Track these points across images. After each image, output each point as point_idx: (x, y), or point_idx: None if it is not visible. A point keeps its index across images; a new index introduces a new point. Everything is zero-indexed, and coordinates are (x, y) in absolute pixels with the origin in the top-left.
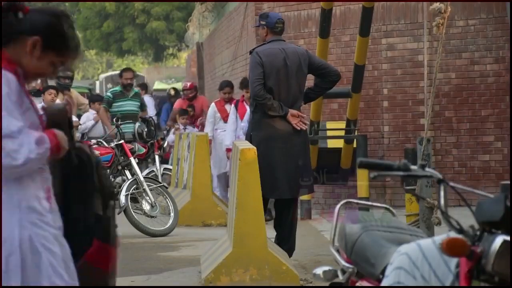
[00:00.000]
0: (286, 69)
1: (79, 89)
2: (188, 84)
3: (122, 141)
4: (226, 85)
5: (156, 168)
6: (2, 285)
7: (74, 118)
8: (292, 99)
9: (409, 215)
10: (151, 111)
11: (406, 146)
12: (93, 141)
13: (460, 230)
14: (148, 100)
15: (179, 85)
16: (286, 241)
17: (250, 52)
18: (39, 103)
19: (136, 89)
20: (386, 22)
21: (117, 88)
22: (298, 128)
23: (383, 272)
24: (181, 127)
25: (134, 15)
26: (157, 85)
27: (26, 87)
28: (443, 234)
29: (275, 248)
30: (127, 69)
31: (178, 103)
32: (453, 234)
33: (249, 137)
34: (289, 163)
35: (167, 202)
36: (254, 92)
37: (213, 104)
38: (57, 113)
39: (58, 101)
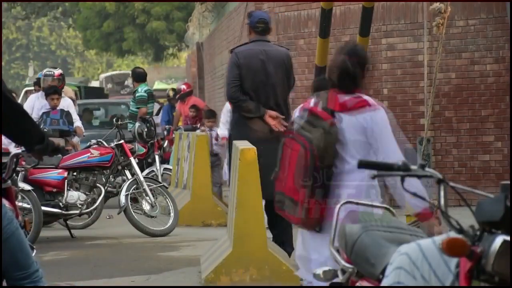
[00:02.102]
0: (265, 71)
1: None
2: (183, 87)
3: (122, 141)
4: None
5: (156, 168)
6: None
7: (79, 124)
8: (273, 100)
9: (409, 215)
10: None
11: (406, 146)
12: (93, 141)
13: (460, 230)
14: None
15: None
16: (281, 244)
17: (231, 51)
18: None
19: (143, 87)
20: (386, 22)
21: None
22: (276, 129)
23: (383, 272)
24: (207, 129)
25: (134, 15)
26: (157, 85)
27: None
28: (443, 234)
29: (275, 248)
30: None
31: (179, 106)
32: (453, 234)
33: (229, 136)
34: (264, 164)
35: (167, 202)
36: (229, 94)
37: (227, 104)
38: None
39: (61, 102)
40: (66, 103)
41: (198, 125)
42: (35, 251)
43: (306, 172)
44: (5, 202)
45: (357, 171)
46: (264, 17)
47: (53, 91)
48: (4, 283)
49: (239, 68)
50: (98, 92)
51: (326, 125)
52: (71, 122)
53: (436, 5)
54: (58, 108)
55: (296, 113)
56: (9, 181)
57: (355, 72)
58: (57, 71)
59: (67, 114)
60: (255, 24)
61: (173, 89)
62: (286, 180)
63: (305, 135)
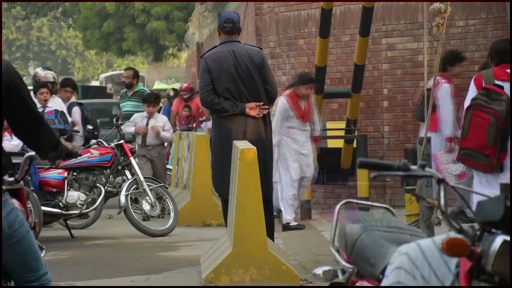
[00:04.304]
0: (237, 70)
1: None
2: (184, 85)
3: (122, 141)
4: (312, 81)
5: None
6: None
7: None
8: (251, 96)
9: (409, 215)
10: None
11: (406, 146)
12: (93, 141)
13: (460, 230)
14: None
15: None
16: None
17: (201, 57)
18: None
19: (143, 87)
20: (386, 22)
21: (124, 89)
22: (261, 115)
23: (383, 272)
24: None
25: (134, 15)
26: (157, 85)
27: None
28: (443, 234)
29: (275, 248)
30: (126, 68)
31: (175, 105)
32: (453, 234)
33: (210, 138)
34: None
35: (167, 202)
36: (202, 99)
37: (283, 99)
38: None
39: (51, 101)
40: (58, 103)
41: (194, 125)
42: (44, 251)
43: (498, 135)
44: (16, 203)
45: None
46: (232, 16)
47: (42, 85)
48: (12, 283)
49: (209, 72)
50: (100, 92)
51: (505, 98)
52: (66, 121)
53: (436, 5)
54: (52, 108)
55: (470, 94)
56: (22, 182)
57: None
58: (53, 74)
59: (61, 114)
60: (223, 24)
61: (173, 89)
62: (477, 140)
63: (494, 108)
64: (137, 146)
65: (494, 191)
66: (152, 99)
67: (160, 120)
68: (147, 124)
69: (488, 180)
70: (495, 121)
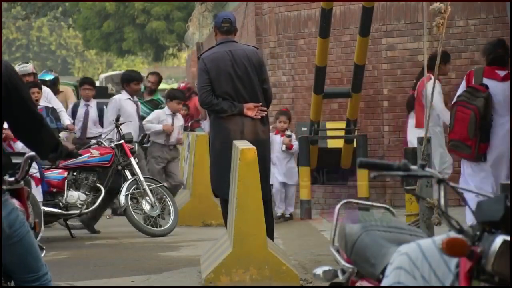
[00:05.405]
0: (235, 71)
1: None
2: (182, 85)
3: (122, 141)
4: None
5: None
6: None
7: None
8: (249, 97)
9: (409, 215)
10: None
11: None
12: (93, 141)
13: (460, 230)
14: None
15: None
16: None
17: (198, 58)
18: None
19: (160, 97)
20: (386, 22)
21: (143, 88)
22: (259, 117)
23: (383, 272)
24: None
25: (134, 15)
26: None
27: None
28: (443, 234)
29: (275, 248)
30: (152, 72)
31: None
32: (453, 234)
33: (208, 138)
34: None
35: (167, 202)
36: (201, 100)
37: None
38: None
39: (42, 101)
40: (45, 93)
41: (189, 123)
42: (44, 251)
43: (477, 128)
44: (16, 203)
45: (508, 119)
46: (229, 16)
47: (32, 85)
48: (12, 283)
49: (207, 73)
50: (102, 92)
51: (485, 95)
52: (58, 119)
53: (436, 5)
54: (40, 104)
55: (461, 88)
56: (22, 182)
57: (508, 57)
58: (31, 65)
59: (52, 111)
60: (220, 24)
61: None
62: (461, 133)
63: (474, 104)
64: (147, 147)
65: (479, 180)
66: (183, 96)
67: (181, 119)
68: (172, 123)
69: (473, 170)
70: (474, 116)
